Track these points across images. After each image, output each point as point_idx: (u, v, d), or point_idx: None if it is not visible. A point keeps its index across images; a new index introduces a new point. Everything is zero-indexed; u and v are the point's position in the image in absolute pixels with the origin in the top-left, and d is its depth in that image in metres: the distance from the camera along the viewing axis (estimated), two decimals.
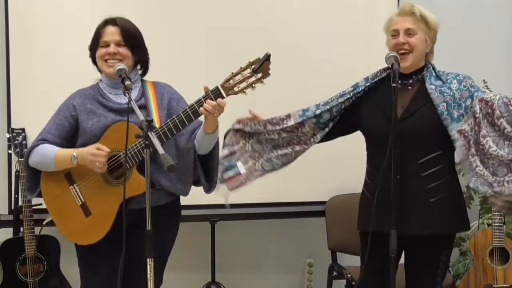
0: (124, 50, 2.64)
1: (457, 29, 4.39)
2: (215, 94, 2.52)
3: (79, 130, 2.63)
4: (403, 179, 2.56)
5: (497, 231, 3.59)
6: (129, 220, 2.50)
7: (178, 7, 3.74)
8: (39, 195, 2.70)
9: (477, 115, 2.59)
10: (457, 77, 2.72)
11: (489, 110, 2.59)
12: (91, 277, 2.68)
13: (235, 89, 2.52)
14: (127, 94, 2.43)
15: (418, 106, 2.62)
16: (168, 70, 3.62)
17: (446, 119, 2.59)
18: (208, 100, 2.50)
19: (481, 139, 2.56)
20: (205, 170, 2.72)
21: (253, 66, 2.50)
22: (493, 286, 3.59)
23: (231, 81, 2.52)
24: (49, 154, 2.58)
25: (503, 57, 4.48)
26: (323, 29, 3.88)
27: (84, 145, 2.59)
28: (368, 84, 2.72)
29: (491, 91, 4.14)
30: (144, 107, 2.62)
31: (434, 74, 2.72)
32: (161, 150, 2.24)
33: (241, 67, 2.53)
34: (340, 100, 2.73)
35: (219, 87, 2.52)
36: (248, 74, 2.51)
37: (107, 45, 2.63)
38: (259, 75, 2.52)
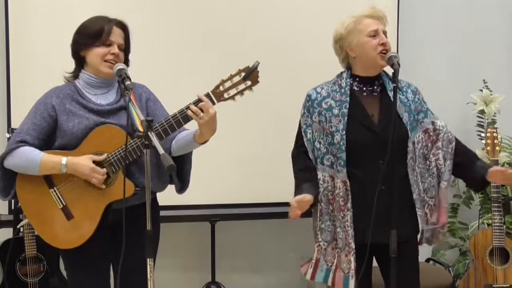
0: (121, 55, 2.63)
1: (457, 29, 4.40)
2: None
3: (59, 131, 2.56)
4: (386, 188, 2.55)
5: (497, 231, 3.58)
6: (115, 219, 2.51)
7: (175, 10, 3.75)
8: (14, 197, 2.62)
9: (431, 133, 2.72)
10: (410, 87, 2.79)
11: (434, 138, 2.72)
12: (79, 280, 2.65)
13: (225, 95, 2.52)
14: (126, 95, 2.42)
15: (389, 116, 2.59)
16: (164, 73, 3.65)
17: (409, 129, 2.67)
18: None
19: (431, 156, 2.71)
20: (179, 170, 2.70)
21: (243, 74, 2.52)
22: (493, 286, 3.59)
23: (221, 88, 2.52)
24: (34, 160, 2.50)
25: (503, 57, 4.48)
26: (322, 30, 3.86)
27: (64, 146, 2.55)
28: (348, 99, 2.66)
29: (491, 91, 4.14)
30: (124, 109, 2.57)
31: (388, 78, 2.73)
32: (161, 150, 2.23)
33: (230, 74, 2.53)
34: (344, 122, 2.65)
35: (210, 93, 2.52)
36: (238, 81, 2.52)
37: (110, 44, 2.59)
38: (249, 82, 2.52)
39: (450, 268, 3.83)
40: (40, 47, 3.54)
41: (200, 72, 3.65)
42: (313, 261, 2.74)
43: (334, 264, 2.69)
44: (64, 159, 2.49)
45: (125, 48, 2.67)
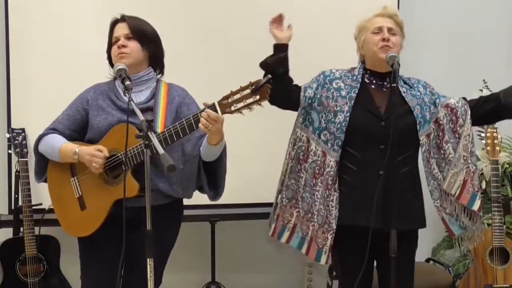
0: (132, 43, 2.64)
1: (457, 29, 4.40)
2: (211, 110, 2.46)
3: (88, 125, 2.66)
4: (385, 174, 2.58)
5: (497, 231, 3.59)
6: (126, 217, 2.48)
7: (179, 8, 3.75)
8: (46, 181, 2.75)
9: (441, 122, 2.75)
10: (420, 83, 2.84)
11: (453, 118, 2.76)
12: (90, 268, 2.69)
13: (232, 108, 2.44)
14: (127, 94, 2.43)
15: (396, 109, 2.61)
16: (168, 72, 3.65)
17: (421, 122, 2.70)
18: (207, 110, 2.46)
19: (444, 144, 2.75)
20: (211, 177, 2.71)
21: (253, 87, 2.42)
22: (493, 286, 3.59)
23: (229, 99, 2.45)
24: (55, 146, 2.63)
25: (503, 57, 4.48)
26: (323, 29, 3.89)
27: (91, 140, 2.63)
28: (358, 85, 2.73)
29: (491, 91, 4.14)
30: (151, 110, 2.61)
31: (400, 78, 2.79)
32: (161, 150, 2.23)
33: (240, 86, 2.44)
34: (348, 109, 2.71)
35: (216, 104, 2.47)
36: (247, 94, 2.43)
37: (117, 40, 2.65)
38: (257, 97, 2.43)
39: (450, 268, 3.83)
40: (40, 46, 3.54)
41: (207, 76, 3.63)
42: (290, 225, 2.86)
43: (309, 235, 2.77)
44: (77, 148, 2.57)
45: (138, 34, 2.66)
